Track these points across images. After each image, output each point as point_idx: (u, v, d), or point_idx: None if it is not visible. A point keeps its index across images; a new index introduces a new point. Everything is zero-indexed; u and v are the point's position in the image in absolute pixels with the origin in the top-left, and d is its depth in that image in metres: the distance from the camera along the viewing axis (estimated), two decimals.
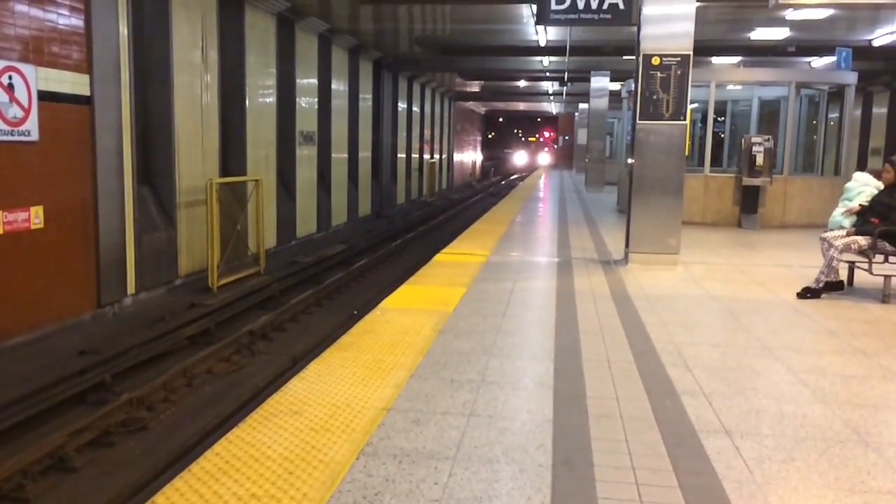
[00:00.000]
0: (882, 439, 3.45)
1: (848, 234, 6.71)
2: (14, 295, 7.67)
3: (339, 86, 18.46)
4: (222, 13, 12.41)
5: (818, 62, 18.29)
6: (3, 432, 5.75)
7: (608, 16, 8.37)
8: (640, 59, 8.04)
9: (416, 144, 28.55)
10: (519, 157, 62.62)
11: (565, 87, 27.35)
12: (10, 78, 7.42)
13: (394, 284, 9.91)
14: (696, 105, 13.68)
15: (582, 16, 8.43)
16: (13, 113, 7.49)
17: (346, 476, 2.92)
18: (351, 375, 4.14)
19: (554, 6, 8.43)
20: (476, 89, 34.56)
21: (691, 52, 7.96)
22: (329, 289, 11.61)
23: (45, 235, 8.06)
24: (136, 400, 6.40)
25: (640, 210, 8.27)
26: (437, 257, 8.65)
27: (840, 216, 6.98)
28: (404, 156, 26.62)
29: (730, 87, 14.94)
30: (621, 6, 8.30)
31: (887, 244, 6.48)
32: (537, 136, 66.59)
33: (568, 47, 17.04)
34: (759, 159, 12.08)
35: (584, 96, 25.71)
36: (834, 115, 14.96)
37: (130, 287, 9.64)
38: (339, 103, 18.54)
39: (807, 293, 6.69)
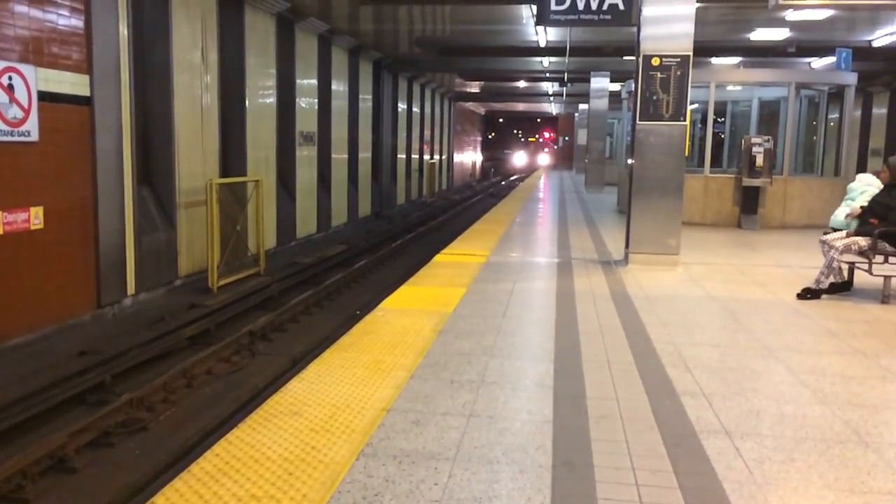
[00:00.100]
0: (882, 440, 3.45)
1: (848, 235, 6.72)
2: (14, 295, 7.67)
3: (338, 86, 18.46)
4: (222, 14, 12.42)
5: (818, 63, 18.29)
6: (2, 433, 5.75)
7: (608, 16, 8.37)
8: (640, 59, 8.04)
9: (415, 145, 28.56)
10: (519, 158, 62.60)
11: (565, 88, 27.36)
12: (9, 78, 7.43)
13: (394, 285, 9.91)
14: (695, 106, 13.70)
15: (582, 16, 8.43)
16: (13, 113, 7.49)
17: (345, 477, 2.92)
18: (351, 376, 4.14)
19: (554, 7, 8.43)
20: (476, 90, 34.57)
21: (691, 53, 7.96)
22: (329, 289, 11.61)
23: (45, 236, 8.06)
24: (135, 400, 6.39)
25: (640, 211, 8.27)
26: (437, 258, 8.65)
27: (843, 219, 7.01)
28: (404, 156, 26.62)
29: (730, 87, 14.95)
30: (621, 7, 8.30)
31: (887, 245, 6.49)
32: (537, 136, 66.58)
33: (568, 48, 17.05)
34: (759, 160, 12.08)
35: (584, 97, 25.73)
36: (834, 115, 14.97)
37: (130, 288, 9.64)
38: (339, 104, 18.55)
39: (807, 294, 6.69)
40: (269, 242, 13.67)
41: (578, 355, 4.70)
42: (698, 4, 8.42)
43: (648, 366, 4.51)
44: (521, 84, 29.90)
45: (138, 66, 10.11)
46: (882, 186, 6.83)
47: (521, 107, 48.62)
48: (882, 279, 6.62)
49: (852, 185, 7.32)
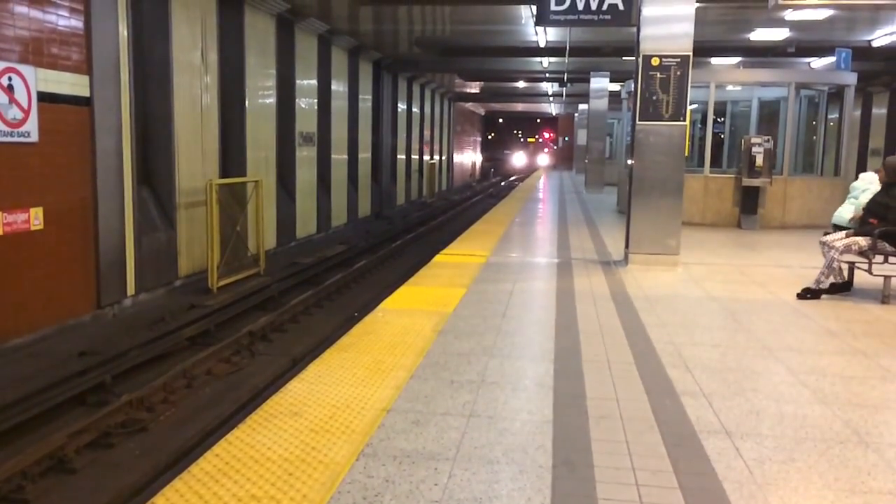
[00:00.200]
0: (882, 440, 3.45)
1: (847, 236, 6.73)
2: (14, 296, 7.67)
3: (338, 87, 18.46)
4: (222, 14, 12.42)
5: (818, 63, 18.29)
6: (3, 433, 5.75)
7: (608, 17, 8.37)
8: (640, 59, 8.04)
9: (415, 145, 28.56)
10: (518, 158, 62.59)
11: (565, 88, 27.36)
12: (9, 79, 7.43)
13: (394, 285, 9.91)
14: (695, 106, 13.69)
15: (581, 17, 8.43)
16: (13, 114, 7.50)
17: (345, 477, 2.92)
18: (351, 376, 4.14)
19: (553, 7, 8.43)
20: (476, 90, 34.56)
21: (691, 53, 7.96)
22: (329, 290, 11.61)
23: (45, 236, 8.06)
24: (135, 401, 6.39)
25: (640, 211, 8.27)
26: (437, 258, 8.65)
27: (849, 220, 7.03)
28: (404, 157, 26.63)
29: (729, 87, 14.95)
30: (621, 7, 8.30)
31: (887, 245, 6.49)
32: (537, 137, 66.58)
33: (567, 48, 17.04)
34: (759, 160, 12.08)
35: (584, 97, 25.72)
36: (833, 115, 14.96)
37: (130, 288, 9.64)
38: (339, 104, 18.55)
39: (807, 294, 6.69)
40: (268, 243, 13.67)
41: (578, 355, 4.70)
42: (698, 4, 8.42)
43: (648, 366, 4.51)
44: (521, 84, 29.90)
45: (138, 66, 10.11)
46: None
47: (520, 107, 48.63)
48: (882, 279, 6.62)
49: (855, 183, 7.35)
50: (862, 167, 21.12)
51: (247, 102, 13.23)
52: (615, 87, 21.55)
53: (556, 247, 9.97)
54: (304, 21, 15.48)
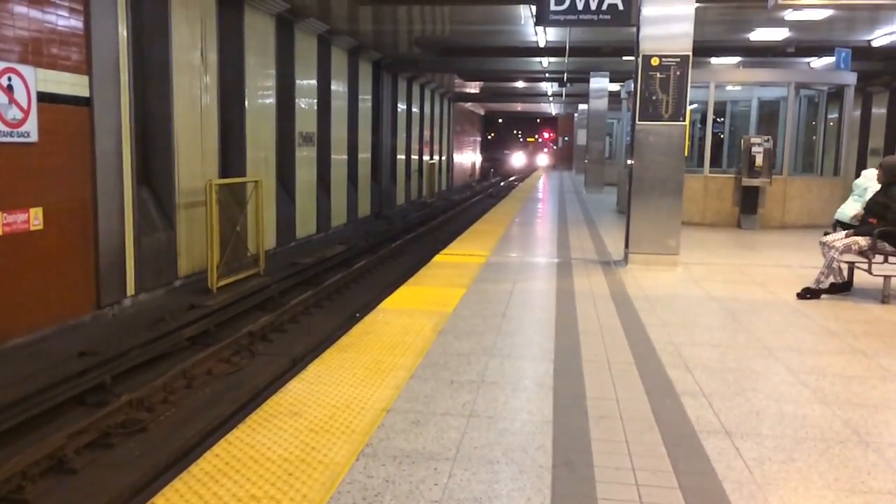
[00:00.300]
0: (882, 440, 3.45)
1: (847, 236, 6.72)
2: (13, 296, 7.66)
3: (338, 87, 18.46)
4: (221, 14, 12.42)
5: (817, 63, 18.30)
6: (2, 434, 5.75)
7: (607, 16, 8.36)
8: (640, 59, 8.04)
9: (415, 145, 28.55)
10: (518, 159, 62.58)
11: (564, 88, 27.35)
12: (9, 79, 7.42)
13: (393, 285, 9.91)
14: (695, 106, 13.70)
15: (581, 16, 8.43)
16: (12, 114, 7.49)
17: (345, 477, 2.92)
18: (351, 376, 4.14)
19: (553, 7, 8.43)
20: (475, 90, 34.55)
21: (690, 53, 7.96)
22: (329, 290, 11.61)
23: (45, 237, 8.05)
24: (135, 401, 6.39)
25: (640, 211, 8.27)
26: (437, 258, 8.65)
27: (850, 215, 7.05)
28: (404, 157, 26.62)
29: (729, 87, 14.94)
30: (620, 7, 8.30)
31: (887, 244, 6.49)
32: (537, 137, 66.58)
33: (567, 48, 17.03)
34: (759, 160, 12.08)
35: (584, 97, 25.72)
36: (833, 115, 14.97)
37: (130, 288, 9.63)
38: (339, 104, 18.54)
39: (807, 294, 6.69)
40: (268, 243, 13.66)
41: (578, 355, 4.70)
42: (698, 4, 8.41)
43: (648, 366, 4.51)
44: (521, 84, 29.89)
45: (137, 66, 10.10)
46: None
47: (520, 107, 48.62)
48: (882, 279, 6.62)
49: (858, 181, 7.37)
50: (862, 167, 21.07)
51: (246, 102, 13.23)
52: (615, 87, 21.54)
53: (556, 247, 9.97)
54: (303, 21, 15.48)
